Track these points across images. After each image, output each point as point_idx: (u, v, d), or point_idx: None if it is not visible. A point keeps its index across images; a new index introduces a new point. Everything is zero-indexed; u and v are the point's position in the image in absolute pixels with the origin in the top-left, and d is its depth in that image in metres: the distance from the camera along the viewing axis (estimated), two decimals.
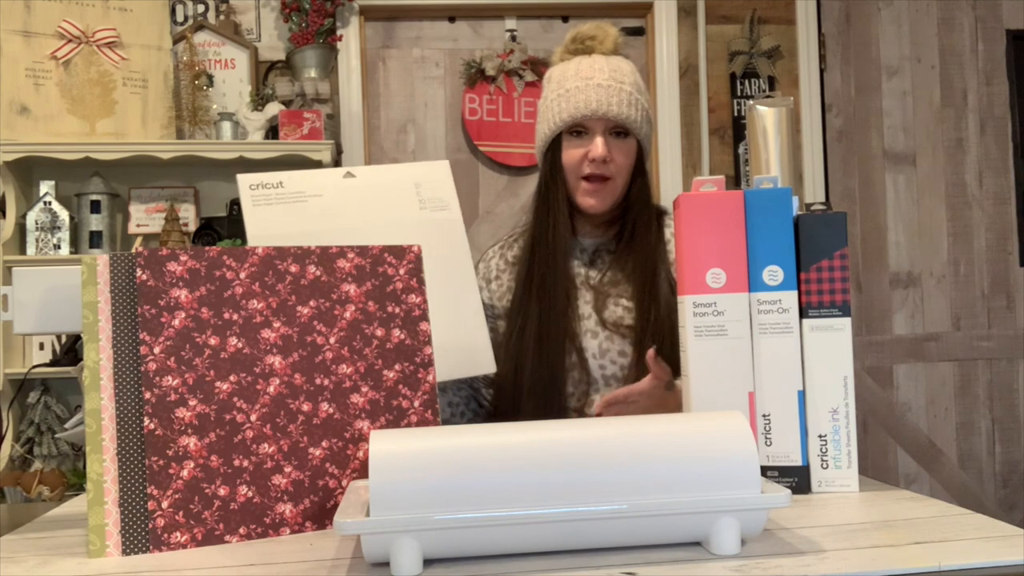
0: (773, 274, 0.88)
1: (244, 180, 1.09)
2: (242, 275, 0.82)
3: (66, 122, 2.53)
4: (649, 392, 1.12)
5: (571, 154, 1.29)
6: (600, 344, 1.28)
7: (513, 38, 2.92)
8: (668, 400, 1.12)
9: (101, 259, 0.79)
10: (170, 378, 0.78)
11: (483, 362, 1.18)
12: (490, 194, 2.92)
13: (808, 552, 0.66)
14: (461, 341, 1.15)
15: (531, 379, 1.25)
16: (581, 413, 1.28)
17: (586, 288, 1.32)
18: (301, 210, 1.10)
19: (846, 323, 0.87)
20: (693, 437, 0.69)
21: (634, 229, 1.32)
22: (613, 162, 1.27)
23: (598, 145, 1.26)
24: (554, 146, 1.31)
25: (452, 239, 1.17)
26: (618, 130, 1.28)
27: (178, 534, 0.75)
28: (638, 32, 2.95)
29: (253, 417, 0.79)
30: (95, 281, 0.79)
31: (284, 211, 1.09)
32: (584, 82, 1.27)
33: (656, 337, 1.24)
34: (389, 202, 1.14)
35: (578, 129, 1.28)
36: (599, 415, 1.23)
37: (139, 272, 0.79)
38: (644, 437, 0.69)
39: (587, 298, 1.31)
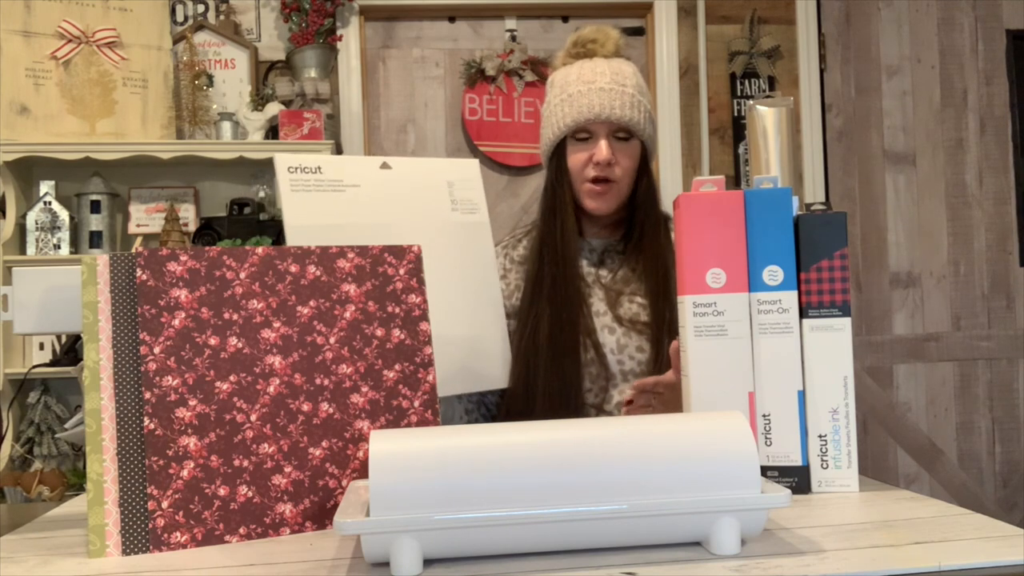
0: (773, 274, 0.88)
1: (282, 162, 1.06)
2: (242, 275, 0.82)
3: (66, 122, 2.53)
4: (675, 385, 1.12)
5: (576, 158, 1.30)
6: (618, 340, 1.29)
7: (513, 38, 2.92)
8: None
9: (101, 259, 0.79)
10: (170, 378, 0.78)
11: (501, 376, 1.19)
12: (490, 194, 2.91)
13: (808, 552, 0.66)
14: (482, 354, 1.15)
15: (545, 380, 1.25)
16: (600, 409, 1.28)
17: (598, 286, 1.33)
18: (339, 201, 1.08)
19: (846, 323, 0.87)
20: (693, 437, 0.69)
21: (643, 230, 1.33)
22: (618, 165, 1.28)
23: (602, 148, 1.27)
24: (559, 150, 1.32)
25: (480, 246, 1.18)
26: (621, 133, 1.29)
27: (178, 534, 0.75)
28: (638, 32, 2.95)
29: (253, 417, 0.79)
30: (95, 281, 0.79)
31: (323, 200, 1.07)
32: (587, 86, 1.28)
33: (673, 335, 1.24)
34: (424, 200, 1.14)
35: (582, 134, 1.29)
36: (630, 402, 1.22)
37: (139, 272, 0.79)
38: (644, 437, 0.69)
39: (600, 296, 1.32)
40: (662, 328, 1.26)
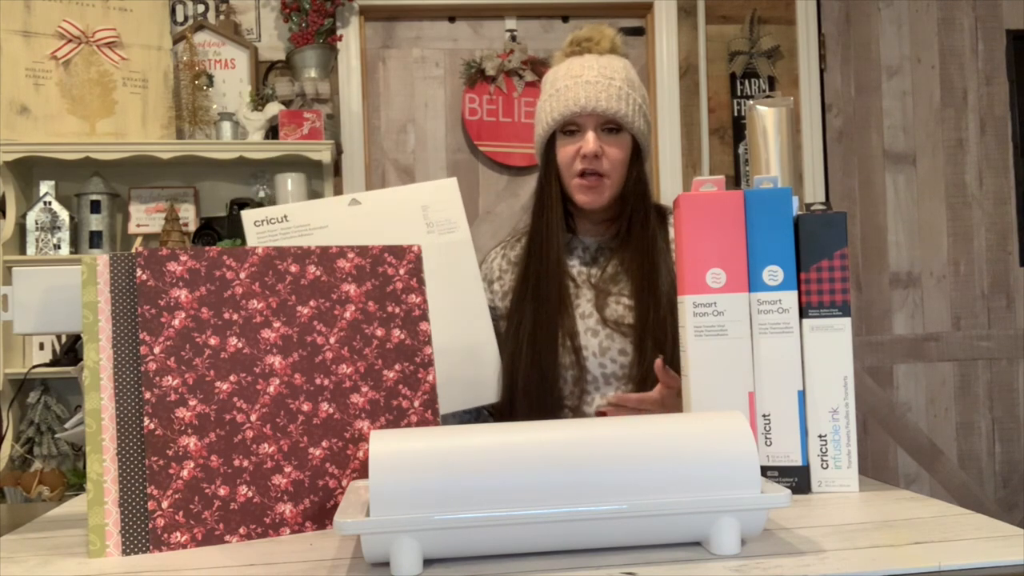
0: (773, 274, 0.88)
1: (248, 217, 1.08)
2: (242, 275, 0.82)
3: (66, 122, 2.53)
4: (661, 401, 1.14)
5: (564, 151, 1.30)
6: (600, 343, 1.28)
7: (513, 38, 2.92)
8: (679, 408, 1.13)
9: (101, 259, 0.79)
10: (170, 378, 0.78)
11: (493, 392, 1.19)
12: (490, 194, 2.92)
13: (808, 552, 0.66)
14: (473, 371, 1.15)
15: (524, 377, 1.25)
16: (577, 412, 1.28)
17: (587, 287, 1.32)
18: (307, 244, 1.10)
19: (846, 323, 0.87)
20: (693, 437, 0.69)
21: (630, 225, 1.32)
22: (606, 157, 1.27)
23: (589, 140, 1.26)
24: (549, 146, 1.32)
25: (462, 263, 1.17)
26: (610, 126, 1.28)
27: (178, 534, 0.75)
28: (638, 32, 2.95)
29: (253, 417, 0.79)
30: (95, 281, 0.79)
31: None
32: (573, 80, 1.28)
33: (657, 336, 1.24)
34: (396, 229, 1.13)
35: (571, 127, 1.29)
36: (603, 413, 1.23)
37: (139, 272, 0.79)
38: (644, 437, 0.69)
39: (588, 296, 1.31)
40: (646, 330, 1.26)
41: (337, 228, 1.10)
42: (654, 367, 1.11)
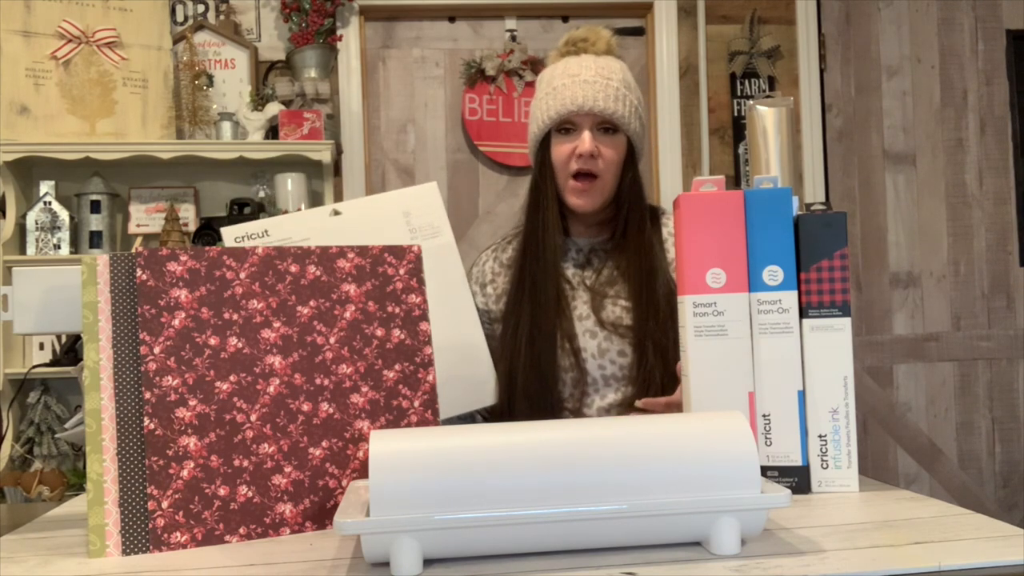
0: (773, 274, 0.88)
1: (229, 234, 1.08)
2: (242, 275, 0.82)
3: (66, 122, 2.53)
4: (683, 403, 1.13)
5: (559, 150, 1.29)
6: (599, 344, 1.28)
7: (513, 38, 2.92)
8: None
9: (101, 259, 0.79)
10: (170, 378, 0.78)
11: (488, 393, 1.18)
12: (490, 194, 2.92)
13: (808, 552, 0.66)
14: (466, 374, 1.15)
15: (523, 378, 1.25)
16: (578, 413, 1.28)
17: (583, 289, 1.32)
18: None
19: (846, 323, 0.87)
20: (693, 437, 0.69)
21: (626, 227, 1.31)
22: (601, 157, 1.27)
23: (585, 140, 1.26)
24: (544, 145, 1.31)
25: (447, 267, 1.16)
26: (606, 126, 1.28)
27: (178, 534, 0.75)
28: (638, 32, 2.95)
29: (253, 417, 0.79)
30: (95, 281, 0.79)
31: None
32: (571, 79, 1.27)
33: (657, 338, 1.24)
34: (379, 237, 1.13)
35: (566, 126, 1.28)
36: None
37: (139, 272, 0.79)
38: (644, 437, 0.69)
39: (584, 299, 1.31)
40: (645, 331, 1.25)
41: (319, 240, 1.10)
42: (676, 370, 1.10)
